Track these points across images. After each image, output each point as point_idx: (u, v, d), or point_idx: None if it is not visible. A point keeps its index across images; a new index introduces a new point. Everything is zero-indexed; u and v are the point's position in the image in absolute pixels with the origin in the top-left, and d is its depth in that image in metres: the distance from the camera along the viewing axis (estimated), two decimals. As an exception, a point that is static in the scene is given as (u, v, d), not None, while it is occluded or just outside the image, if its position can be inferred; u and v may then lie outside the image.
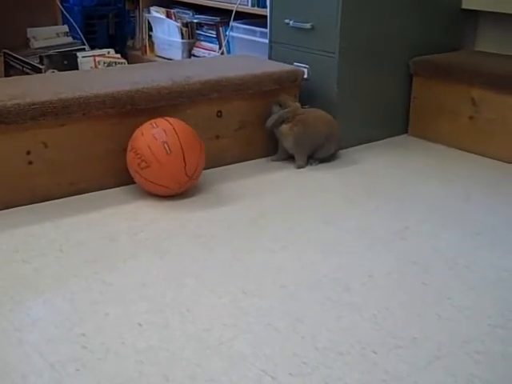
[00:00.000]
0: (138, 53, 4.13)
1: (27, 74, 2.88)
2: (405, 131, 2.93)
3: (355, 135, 2.76)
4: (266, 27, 3.00)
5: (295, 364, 1.36)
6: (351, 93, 2.69)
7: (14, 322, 1.49)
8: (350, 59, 2.63)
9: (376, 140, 2.84)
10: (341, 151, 2.70)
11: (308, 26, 2.66)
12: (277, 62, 2.77)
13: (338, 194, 2.28)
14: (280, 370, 1.34)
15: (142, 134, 2.13)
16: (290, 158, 2.53)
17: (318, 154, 2.50)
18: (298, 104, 2.50)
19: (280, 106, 2.45)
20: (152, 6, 3.97)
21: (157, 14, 3.90)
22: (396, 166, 2.56)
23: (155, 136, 2.11)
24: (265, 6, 3.14)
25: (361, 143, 2.79)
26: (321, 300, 1.60)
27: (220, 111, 2.46)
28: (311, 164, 2.50)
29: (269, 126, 2.45)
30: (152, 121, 2.17)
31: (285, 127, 2.44)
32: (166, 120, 2.17)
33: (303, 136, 2.44)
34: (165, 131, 2.11)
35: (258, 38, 3.22)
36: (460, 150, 2.73)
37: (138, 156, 2.10)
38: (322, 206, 2.17)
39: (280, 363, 1.36)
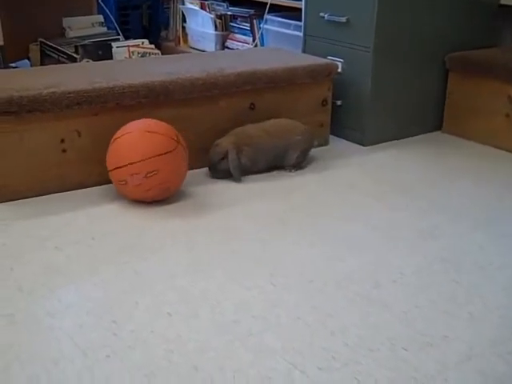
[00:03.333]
0: (172, 44, 4.14)
1: (62, 63, 2.90)
2: (439, 128, 2.90)
3: (387, 131, 2.75)
4: (300, 20, 2.99)
5: (324, 359, 1.36)
6: (385, 88, 2.67)
7: (46, 307, 1.51)
8: (384, 54, 2.61)
9: (409, 136, 2.82)
10: (372, 147, 2.68)
11: (343, 19, 2.65)
12: (310, 56, 2.76)
13: (367, 190, 2.26)
14: (309, 364, 1.34)
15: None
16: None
17: (283, 162, 2.36)
18: (229, 139, 2.27)
19: (222, 159, 2.23)
20: (186, -3, 3.98)
21: (191, 5, 3.91)
22: (428, 163, 2.53)
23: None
24: (300, -1, 3.12)
25: (393, 139, 2.77)
26: (350, 296, 1.60)
27: (253, 103, 2.46)
28: (290, 171, 2.37)
29: (238, 175, 2.25)
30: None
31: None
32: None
33: (255, 154, 2.29)
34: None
35: (292, 31, 3.21)
36: (495, 148, 2.69)
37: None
38: (351, 202, 2.16)
39: (309, 357, 1.36)
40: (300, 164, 2.40)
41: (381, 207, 2.13)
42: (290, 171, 2.37)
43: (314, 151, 2.61)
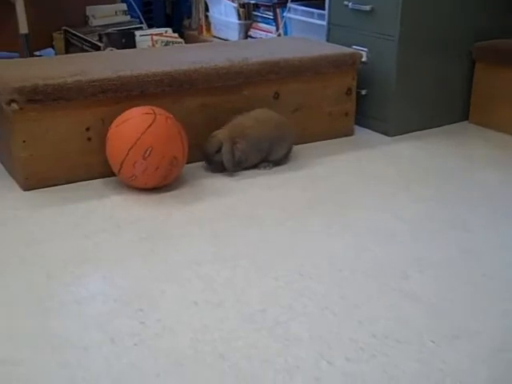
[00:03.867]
0: (195, 33, 4.13)
1: (86, 51, 2.91)
2: (465, 118, 2.87)
3: (414, 121, 2.72)
4: (324, 9, 2.96)
5: (352, 349, 1.35)
6: (410, 77, 2.64)
7: (74, 294, 1.52)
8: (410, 43, 2.59)
9: (434, 126, 2.79)
10: (397, 137, 2.66)
11: (367, 8, 2.62)
12: (334, 45, 2.74)
13: (393, 181, 2.25)
14: (336, 355, 1.33)
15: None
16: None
17: (270, 156, 2.29)
18: (224, 130, 2.23)
19: (217, 151, 2.19)
20: (209, -14, 3.96)
21: (214, -6, 3.89)
22: (454, 153, 2.51)
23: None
24: (324, -12, 3.10)
25: (419, 129, 2.74)
26: (378, 286, 1.59)
27: (277, 93, 2.45)
28: (265, 168, 2.28)
29: (231, 167, 2.21)
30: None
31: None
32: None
33: (248, 148, 2.23)
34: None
35: (316, 19, 3.19)
36: (522, 138, 2.66)
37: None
38: (377, 193, 2.15)
39: (336, 348, 1.35)
40: (284, 160, 2.34)
41: (407, 198, 2.11)
42: (266, 168, 2.29)
43: (338, 141, 2.60)
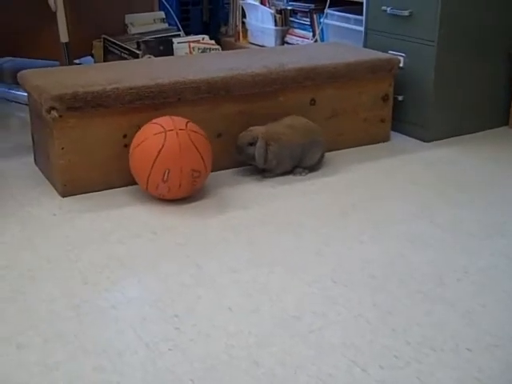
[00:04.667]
0: (231, 39, 4.16)
1: (125, 58, 2.95)
2: (505, 123, 2.83)
3: (452, 126, 2.70)
4: (361, 14, 2.95)
5: (386, 357, 1.34)
6: (449, 82, 2.62)
7: (109, 300, 1.55)
8: (448, 47, 2.57)
9: (473, 132, 2.76)
10: (434, 143, 2.64)
11: (406, 13, 2.61)
12: (371, 50, 2.73)
13: (430, 187, 2.23)
14: (370, 362, 1.33)
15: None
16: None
17: (303, 162, 2.31)
18: (261, 128, 2.25)
19: (251, 144, 2.21)
20: (246, -8, 3.99)
21: (251, 0, 3.92)
22: (493, 158, 2.48)
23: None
24: (361, -7, 3.09)
25: (458, 134, 2.72)
26: (412, 293, 1.58)
27: (313, 99, 2.45)
28: (300, 174, 2.30)
29: (262, 163, 2.22)
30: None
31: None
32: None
33: (281, 152, 2.25)
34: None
35: (353, 25, 3.18)
36: None
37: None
38: (413, 199, 2.13)
39: (370, 355, 1.35)
40: (317, 166, 2.35)
41: (444, 204, 2.09)
42: (301, 174, 2.30)
43: (373, 147, 2.59)
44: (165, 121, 2.05)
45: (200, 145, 2.05)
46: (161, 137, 2.00)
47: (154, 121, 2.07)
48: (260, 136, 2.20)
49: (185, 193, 2.06)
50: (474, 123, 2.76)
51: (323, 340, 1.40)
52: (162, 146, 1.99)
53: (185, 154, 2.00)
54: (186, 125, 2.05)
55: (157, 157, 1.98)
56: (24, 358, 1.34)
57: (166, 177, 1.98)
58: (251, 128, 2.25)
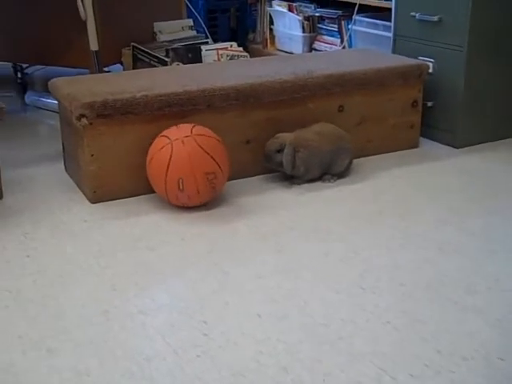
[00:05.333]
0: (259, 46, 4.17)
1: (154, 66, 2.98)
2: (536, 129, 2.80)
3: (483, 132, 2.67)
4: (389, 20, 2.95)
5: (416, 366, 1.33)
6: (479, 88, 2.60)
7: (138, 305, 1.56)
8: (478, 53, 2.55)
9: (504, 138, 2.73)
10: (464, 148, 2.62)
11: (435, 18, 2.60)
12: (400, 56, 2.72)
13: (460, 193, 2.21)
14: (400, 371, 1.32)
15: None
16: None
17: (332, 169, 2.31)
18: (289, 134, 2.25)
19: (278, 151, 2.21)
20: (274, -1, 4.00)
21: (279, 7, 3.93)
22: (525, 165, 2.45)
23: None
24: (389, -1, 3.09)
25: (489, 140, 2.69)
26: (441, 301, 1.57)
27: (342, 106, 2.45)
28: (329, 180, 2.29)
29: (290, 169, 2.23)
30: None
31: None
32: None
33: (309, 159, 2.25)
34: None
35: (382, 31, 3.18)
36: None
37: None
38: (443, 205, 2.12)
39: (400, 364, 1.34)
40: (346, 172, 2.35)
41: (475, 211, 2.07)
42: (330, 181, 2.30)
43: (403, 154, 2.58)
44: (171, 131, 2.06)
45: (209, 147, 2.04)
46: (168, 148, 2.01)
47: (162, 133, 2.08)
48: (288, 142, 2.21)
49: (206, 197, 2.06)
50: (506, 129, 2.73)
51: (352, 347, 1.40)
52: (170, 157, 2.00)
53: (194, 160, 2.00)
54: (191, 130, 2.05)
55: (167, 169, 2.00)
56: (54, 363, 1.35)
57: (181, 186, 1.99)
58: (279, 135, 2.25)
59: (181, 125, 2.09)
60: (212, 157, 2.03)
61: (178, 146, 2.01)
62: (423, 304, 1.56)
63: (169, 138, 2.03)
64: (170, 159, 2.00)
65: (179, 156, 2.00)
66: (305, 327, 1.47)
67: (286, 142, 2.21)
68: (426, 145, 2.68)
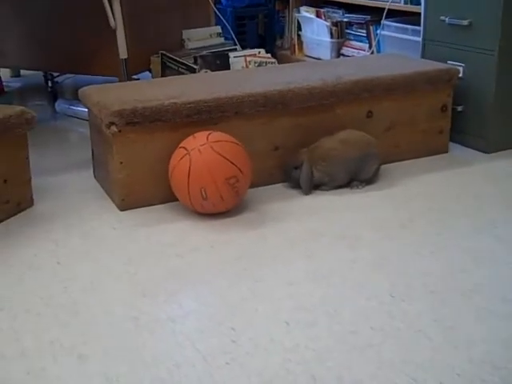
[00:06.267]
0: (287, 52, 4.18)
1: (182, 73, 3.00)
2: None
3: (513, 137, 2.64)
4: (418, 25, 2.93)
5: (448, 375, 1.32)
6: (510, 93, 2.57)
7: (167, 312, 1.57)
8: (510, 57, 2.52)
9: (536, 143, 2.70)
10: (495, 154, 2.58)
11: (465, 22, 2.57)
12: (429, 61, 2.70)
13: (494, 200, 2.18)
14: (431, 380, 1.30)
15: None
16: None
17: (360, 176, 2.28)
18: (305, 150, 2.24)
19: (296, 168, 2.22)
20: (302, 5, 4.00)
21: (306, 13, 3.93)
22: (558, 171, 2.41)
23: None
24: (418, 3, 3.06)
25: (519, 146, 2.66)
26: (474, 309, 1.55)
27: (370, 111, 2.43)
28: (357, 187, 2.28)
29: (307, 188, 2.23)
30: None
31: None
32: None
33: (332, 168, 2.24)
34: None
35: (410, 36, 3.15)
36: None
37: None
38: (476, 212, 2.09)
39: (431, 373, 1.33)
40: (374, 178, 2.33)
41: (507, 218, 2.04)
42: (358, 187, 2.28)
43: (432, 159, 2.56)
44: (188, 142, 2.07)
45: (226, 152, 2.03)
46: (186, 160, 2.02)
47: (180, 144, 2.09)
48: (305, 160, 2.21)
49: (231, 203, 2.07)
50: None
51: (382, 355, 1.39)
52: (189, 168, 2.01)
53: (213, 168, 2.00)
54: (207, 138, 2.06)
55: (188, 180, 2.01)
56: (85, 369, 1.37)
57: (204, 195, 2.00)
58: (300, 151, 2.24)
59: (197, 134, 2.10)
60: (231, 161, 2.03)
61: (196, 155, 2.02)
62: (456, 312, 1.54)
63: (186, 149, 2.05)
64: (189, 170, 2.01)
65: (198, 166, 2.01)
66: (334, 334, 1.47)
67: (303, 159, 2.21)
68: (456, 150, 2.65)
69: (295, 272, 1.74)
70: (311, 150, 2.25)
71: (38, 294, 1.66)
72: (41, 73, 3.70)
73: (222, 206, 2.06)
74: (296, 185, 2.25)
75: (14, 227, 2.03)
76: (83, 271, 1.77)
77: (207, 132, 2.09)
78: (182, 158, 2.04)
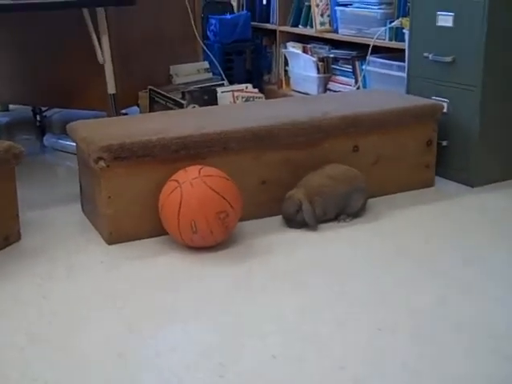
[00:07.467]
0: (274, 87, 4.23)
1: (170, 108, 3.02)
2: (552, 168, 2.79)
3: (498, 171, 2.67)
4: (403, 61, 2.98)
5: (435, 408, 1.32)
6: (494, 127, 2.61)
7: (154, 347, 1.56)
8: (493, 92, 2.56)
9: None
10: (480, 188, 2.61)
11: (449, 59, 2.62)
12: (414, 97, 2.74)
13: (481, 233, 2.20)
14: (418, 414, 1.31)
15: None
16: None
17: (347, 210, 2.30)
18: (298, 190, 2.25)
19: (297, 211, 2.21)
20: (289, 41, 4.06)
21: (293, 49, 3.99)
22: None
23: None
24: (403, 40, 3.13)
25: (503, 179, 2.68)
26: (467, 344, 1.55)
27: (356, 146, 2.46)
28: (344, 220, 2.30)
29: (314, 223, 2.23)
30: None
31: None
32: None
33: (325, 203, 2.26)
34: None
35: (395, 71, 3.21)
36: None
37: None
38: (462, 245, 2.11)
39: (418, 406, 1.33)
40: (361, 212, 2.35)
41: (495, 251, 2.06)
42: (345, 221, 2.30)
43: (418, 193, 2.58)
44: (179, 175, 2.09)
45: (218, 186, 2.05)
46: (177, 192, 2.03)
47: (171, 178, 2.10)
48: (302, 198, 2.22)
49: (220, 237, 2.08)
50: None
51: (370, 390, 1.39)
52: (180, 201, 2.02)
53: (204, 201, 2.02)
54: (200, 172, 2.07)
55: (179, 213, 2.02)
56: (71, 406, 1.35)
57: (194, 228, 2.01)
58: (289, 195, 2.25)
59: (189, 167, 2.11)
60: (222, 196, 2.04)
61: (187, 188, 2.03)
62: (445, 348, 1.54)
63: (178, 182, 2.06)
64: (180, 202, 2.02)
65: (189, 198, 2.02)
66: (322, 370, 1.46)
67: (301, 199, 2.22)
68: (442, 184, 2.68)
69: (284, 306, 1.74)
70: (303, 186, 2.26)
71: (22, 329, 1.65)
72: (29, 107, 3.71)
73: (212, 239, 2.06)
74: (301, 226, 2.25)
75: (0, 261, 2.03)
76: (69, 306, 1.76)
77: (199, 166, 2.11)
78: (173, 191, 2.05)
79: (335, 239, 2.17)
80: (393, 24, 3.26)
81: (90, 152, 2.11)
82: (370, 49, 3.36)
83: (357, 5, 3.48)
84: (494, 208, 2.42)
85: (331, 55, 3.80)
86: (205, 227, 2.01)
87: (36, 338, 1.61)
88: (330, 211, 2.29)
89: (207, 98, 3.09)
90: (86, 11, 2.78)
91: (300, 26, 4.03)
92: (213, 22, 4.12)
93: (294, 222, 2.25)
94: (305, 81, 3.91)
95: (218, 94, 3.14)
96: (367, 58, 3.40)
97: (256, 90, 3.32)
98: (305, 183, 2.28)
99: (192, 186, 2.03)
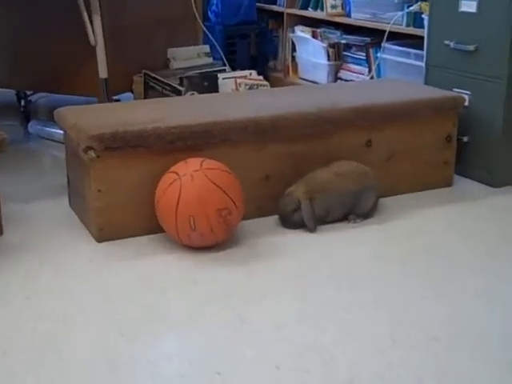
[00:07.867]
0: (280, 75, 4.23)
1: (167, 95, 3.03)
2: None
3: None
4: (421, 49, 2.98)
5: (450, 426, 1.33)
6: (519, 123, 2.62)
7: (147, 354, 1.56)
8: (518, 85, 2.57)
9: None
10: (502, 188, 2.61)
11: (471, 47, 2.63)
12: (433, 88, 2.75)
13: (499, 237, 2.21)
14: (432, 432, 1.31)
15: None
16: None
17: (356, 210, 2.31)
18: (299, 187, 2.25)
19: (295, 210, 2.21)
20: (297, 25, 4.06)
21: (302, 33, 3.99)
22: None
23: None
24: (422, 26, 3.12)
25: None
26: (482, 359, 1.56)
27: (369, 140, 2.46)
28: (354, 221, 2.30)
29: (313, 226, 2.23)
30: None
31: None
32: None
33: (328, 201, 2.26)
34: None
35: (413, 60, 3.21)
36: None
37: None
38: (481, 249, 2.11)
39: (432, 424, 1.34)
40: (372, 212, 2.36)
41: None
42: (355, 221, 2.31)
43: (435, 192, 2.58)
44: (179, 167, 2.08)
45: (221, 181, 2.05)
46: (176, 185, 2.03)
47: (170, 169, 2.10)
48: (302, 197, 2.22)
49: (221, 236, 2.08)
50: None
51: (379, 405, 1.39)
52: (179, 193, 2.01)
53: (205, 196, 2.01)
54: (201, 164, 2.07)
55: (177, 207, 2.01)
56: (55, 416, 1.36)
57: (193, 225, 2.00)
58: (288, 191, 2.25)
59: (189, 159, 2.11)
60: (225, 191, 2.04)
61: (187, 181, 2.03)
62: (461, 361, 1.55)
63: (177, 174, 2.06)
64: (179, 196, 2.01)
65: (188, 192, 2.01)
66: (328, 382, 1.47)
67: (300, 198, 2.21)
68: (461, 183, 2.69)
69: (286, 312, 1.75)
70: (305, 183, 2.26)
71: (4, 333, 1.65)
72: (13, 91, 3.72)
73: (211, 238, 2.07)
74: (298, 226, 2.25)
75: (-19, 259, 2.04)
76: (55, 308, 1.77)
77: (200, 158, 2.11)
78: (171, 184, 2.04)
79: (344, 241, 2.17)
80: (411, 8, 3.26)
81: (79, 141, 2.11)
82: (386, 35, 3.36)
83: (372, -14, 3.48)
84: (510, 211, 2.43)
85: (343, 41, 3.80)
86: (205, 224, 2.02)
87: (20, 343, 1.61)
88: (336, 211, 2.29)
89: (207, 84, 3.09)
90: (76, -12, 2.78)
91: (309, 9, 4.03)
92: (214, 1, 4.12)
93: (290, 221, 2.25)
94: (314, 68, 3.91)
95: (218, 81, 3.14)
96: (382, 44, 3.40)
97: (260, 77, 3.32)
98: (307, 179, 2.28)
99: (193, 179, 2.03)
